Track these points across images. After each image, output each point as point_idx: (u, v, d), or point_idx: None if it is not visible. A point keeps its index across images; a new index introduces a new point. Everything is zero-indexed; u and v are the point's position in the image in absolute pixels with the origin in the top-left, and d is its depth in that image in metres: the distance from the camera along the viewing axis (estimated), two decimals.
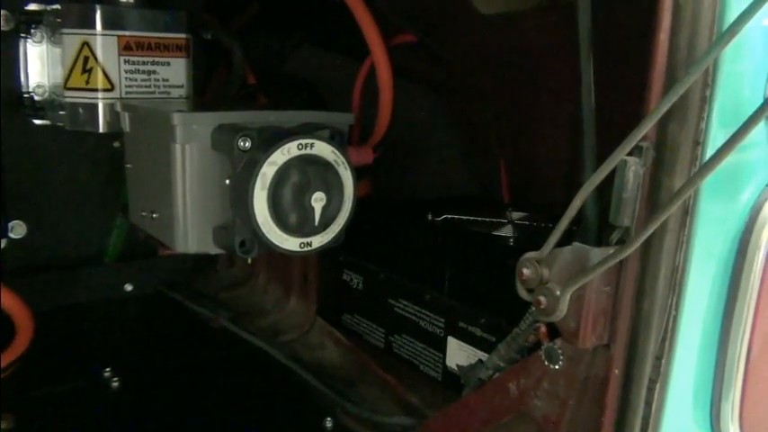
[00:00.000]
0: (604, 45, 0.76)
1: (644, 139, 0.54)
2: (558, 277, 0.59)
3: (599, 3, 0.62)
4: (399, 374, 1.00)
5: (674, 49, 0.52)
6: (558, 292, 0.58)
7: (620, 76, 0.66)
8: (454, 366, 0.93)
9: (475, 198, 1.21)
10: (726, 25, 0.50)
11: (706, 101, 0.52)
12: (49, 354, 1.04)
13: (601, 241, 0.59)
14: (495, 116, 1.14)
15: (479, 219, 1.04)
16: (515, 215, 1.06)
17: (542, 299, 0.59)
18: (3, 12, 1.02)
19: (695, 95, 0.52)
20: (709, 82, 0.52)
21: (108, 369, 1.00)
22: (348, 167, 0.88)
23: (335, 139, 0.88)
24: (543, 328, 0.65)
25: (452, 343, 0.94)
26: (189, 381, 1.03)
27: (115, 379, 0.99)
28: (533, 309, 0.62)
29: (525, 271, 0.60)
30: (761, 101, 0.56)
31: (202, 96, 1.21)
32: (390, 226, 1.09)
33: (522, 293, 0.62)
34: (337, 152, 0.87)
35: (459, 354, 0.93)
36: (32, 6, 1.04)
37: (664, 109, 0.50)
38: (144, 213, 0.96)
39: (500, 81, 1.11)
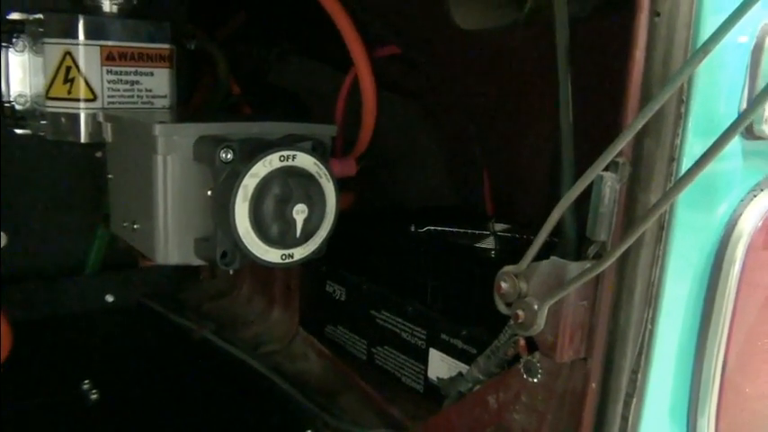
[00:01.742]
0: (587, 58, 0.77)
1: (620, 154, 0.54)
2: (535, 291, 0.59)
3: (580, 19, 0.63)
4: (381, 386, 1.00)
5: (649, 65, 0.52)
6: (536, 306, 0.58)
7: (602, 89, 0.67)
8: (436, 378, 0.93)
9: (458, 209, 1.22)
10: (700, 43, 0.51)
11: (681, 117, 0.53)
12: (27, 366, 1.03)
13: (579, 255, 0.60)
14: (479, 127, 1.15)
15: (462, 230, 1.04)
16: (498, 226, 1.07)
17: (520, 313, 0.59)
18: None
19: (670, 112, 0.53)
20: (684, 98, 0.53)
21: (87, 381, 0.99)
22: (330, 179, 0.88)
23: (318, 150, 0.88)
24: (522, 342, 0.65)
25: (434, 355, 0.94)
26: (169, 393, 1.02)
27: (94, 391, 0.98)
28: (512, 322, 0.62)
29: (503, 285, 0.61)
30: (735, 116, 0.56)
31: (186, 106, 1.21)
32: (373, 237, 1.09)
33: (501, 307, 0.62)
34: (319, 164, 0.87)
35: (441, 366, 0.93)
36: (14, 15, 1.04)
37: (639, 125, 0.51)
38: (125, 224, 0.96)
39: (483, 92, 1.11)
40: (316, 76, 1.36)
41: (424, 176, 1.25)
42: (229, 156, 0.83)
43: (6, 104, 1.06)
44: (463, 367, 0.89)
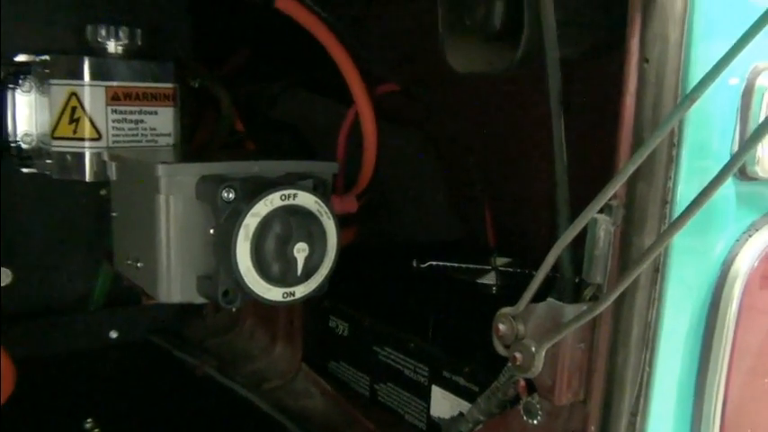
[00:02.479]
0: (585, 98, 0.78)
1: (613, 197, 0.55)
2: (533, 333, 0.59)
3: (578, 62, 0.64)
4: (384, 424, 0.99)
5: (639, 110, 0.53)
6: (534, 349, 0.58)
7: (600, 129, 0.67)
8: (437, 418, 0.92)
9: (460, 243, 1.22)
10: (689, 88, 0.52)
11: (673, 160, 0.53)
12: (30, 403, 1.03)
13: (577, 297, 0.60)
14: (481, 162, 1.16)
15: (464, 265, 1.04)
16: (500, 261, 1.07)
17: (518, 355, 0.59)
18: None
19: (662, 155, 0.53)
20: (675, 142, 0.53)
21: (89, 420, 0.99)
22: (331, 217, 0.89)
23: (319, 189, 0.89)
24: (522, 383, 0.65)
25: (436, 392, 0.93)
26: (172, 431, 1.02)
27: (97, 430, 0.97)
28: (510, 364, 0.62)
29: (501, 326, 0.61)
30: (728, 158, 0.57)
31: (191, 143, 1.22)
32: (375, 272, 1.09)
33: (499, 349, 0.62)
34: (320, 202, 0.87)
35: (443, 403, 0.92)
36: (21, 57, 1.06)
37: (631, 169, 0.51)
38: (129, 262, 0.97)
39: (484, 128, 1.13)
40: (319, 111, 1.37)
41: (425, 210, 1.25)
42: (231, 195, 0.84)
43: (12, 144, 1.07)
44: (465, 405, 0.88)
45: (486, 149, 1.14)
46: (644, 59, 0.52)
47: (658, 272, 0.55)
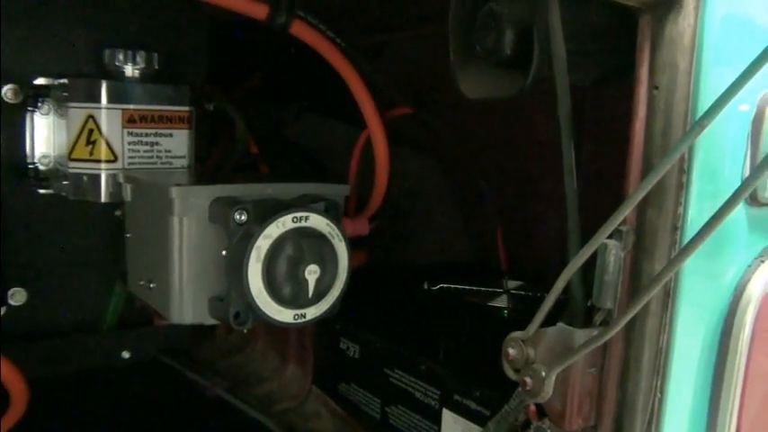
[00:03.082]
0: (597, 123, 0.78)
1: (623, 223, 0.55)
2: (543, 358, 0.59)
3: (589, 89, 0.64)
4: None
5: (649, 136, 0.53)
6: (544, 374, 0.58)
7: (612, 154, 0.68)
8: None
9: (472, 266, 1.22)
10: (699, 114, 0.52)
11: (683, 187, 0.53)
12: (43, 423, 1.04)
13: (588, 321, 0.60)
14: (492, 184, 1.16)
15: (475, 288, 1.04)
16: (511, 284, 1.07)
17: (528, 380, 0.59)
18: (11, 85, 1.06)
19: (672, 182, 0.53)
20: (685, 168, 0.53)
21: None
22: (343, 239, 0.89)
23: (330, 211, 0.89)
24: (532, 407, 0.65)
25: (447, 416, 0.93)
26: None
27: None
28: (520, 389, 0.61)
29: (511, 351, 0.61)
30: (739, 183, 0.57)
31: (204, 165, 1.23)
32: (387, 294, 1.09)
33: (509, 373, 0.62)
34: (332, 224, 0.88)
35: (454, 427, 0.92)
36: (40, 80, 1.08)
37: (640, 195, 0.51)
38: (142, 283, 0.97)
39: (498, 152, 1.13)
40: (331, 133, 1.38)
41: (437, 233, 1.26)
42: (243, 217, 0.84)
43: (30, 165, 1.09)
44: (476, 428, 0.88)
45: (498, 172, 1.15)
46: (653, 87, 0.52)
47: (669, 297, 0.55)
